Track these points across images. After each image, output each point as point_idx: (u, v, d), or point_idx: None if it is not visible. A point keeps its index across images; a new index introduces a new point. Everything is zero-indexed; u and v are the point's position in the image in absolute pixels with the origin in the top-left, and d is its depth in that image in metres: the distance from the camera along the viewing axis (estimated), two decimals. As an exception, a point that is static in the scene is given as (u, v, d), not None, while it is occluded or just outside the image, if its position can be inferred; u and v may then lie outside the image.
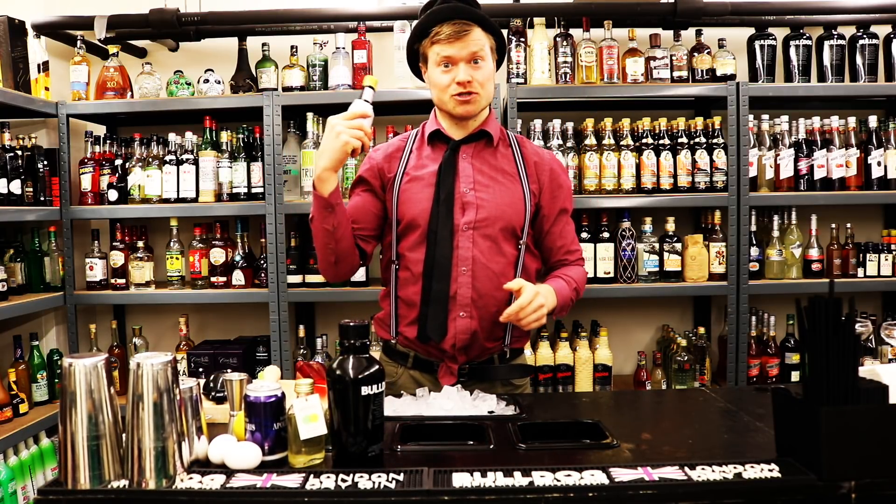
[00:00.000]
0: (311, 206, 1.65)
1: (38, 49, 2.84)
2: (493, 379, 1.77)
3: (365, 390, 1.18)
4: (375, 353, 1.42)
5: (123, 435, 1.14)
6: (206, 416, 1.28)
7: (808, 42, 2.87)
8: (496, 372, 1.77)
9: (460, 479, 1.11)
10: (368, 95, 1.61)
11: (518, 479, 1.11)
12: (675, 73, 2.81)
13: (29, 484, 2.55)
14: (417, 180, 1.73)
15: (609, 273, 2.77)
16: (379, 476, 1.13)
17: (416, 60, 1.80)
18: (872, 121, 2.85)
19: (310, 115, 2.80)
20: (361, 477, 1.13)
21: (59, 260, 2.93)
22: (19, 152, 2.70)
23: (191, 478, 1.14)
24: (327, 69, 2.87)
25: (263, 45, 2.91)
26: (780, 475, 1.11)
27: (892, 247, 2.82)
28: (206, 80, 2.90)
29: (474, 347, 1.72)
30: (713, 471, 1.13)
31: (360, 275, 2.81)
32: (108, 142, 2.99)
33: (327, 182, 1.59)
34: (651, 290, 2.76)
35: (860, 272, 2.83)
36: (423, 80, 1.83)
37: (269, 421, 1.19)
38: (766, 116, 2.84)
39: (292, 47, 2.87)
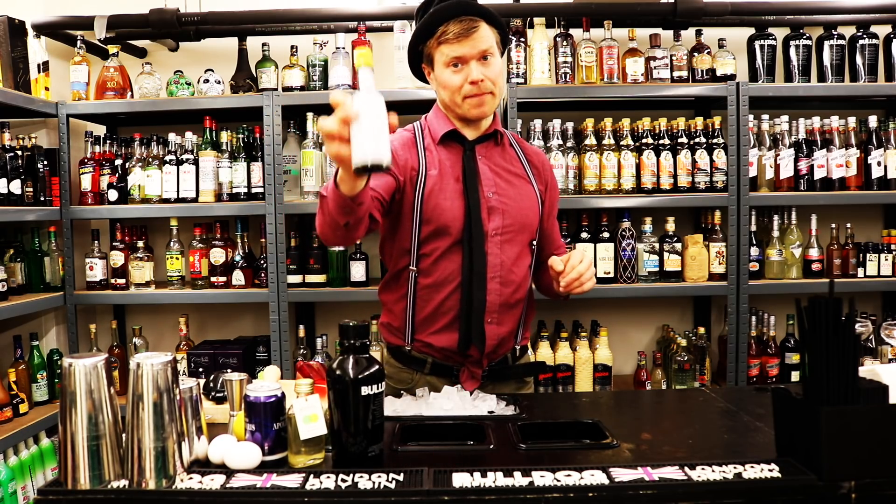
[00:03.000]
0: (328, 186, 1.42)
1: (38, 49, 2.84)
2: (510, 378, 1.78)
3: (365, 390, 1.18)
4: (375, 353, 1.42)
5: (123, 435, 1.14)
6: (206, 416, 1.28)
7: (808, 42, 2.87)
8: (513, 371, 1.78)
9: (460, 479, 1.11)
10: (366, 79, 1.22)
11: (518, 479, 1.11)
12: (675, 73, 2.81)
13: (29, 484, 2.55)
14: (440, 183, 1.66)
15: (609, 273, 2.77)
16: (379, 476, 1.13)
17: (418, 61, 1.73)
18: (872, 121, 2.85)
19: (310, 115, 2.80)
20: (361, 477, 1.13)
21: (59, 260, 2.93)
22: (19, 152, 2.70)
23: (191, 478, 1.14)
24: (327, 69, 2.87)
25: (263, 45, 2.91)
26: (780, 475, 1.11)
27: (892, 247, 2.82)
28: (206, 80, 2.90)
29: (498, 351, 1.73)
30: (713, 471, 1.12)
31: (360, 275, 2.81)
32: (108, 142, 2.99)
33: (346, 183, 1.34)
34: (651, 290, 2.76)
35: (860, 272, 2.83)
36: (424, 82, 1.76)
37: (269, 421, 1.19)
38: (766, 116, 2.84)
39: (292, 47, 2.87)
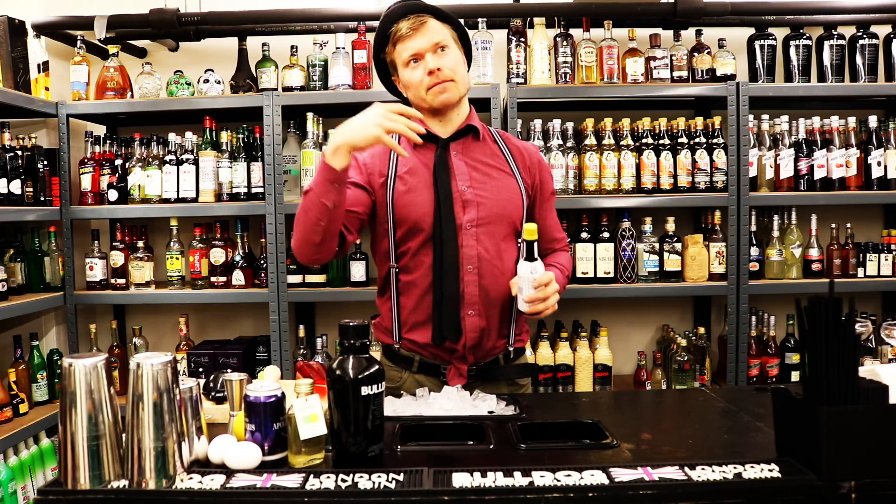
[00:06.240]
0: (314, 176, 1.55)
1: (38, 49, 2.83)
2: (500, 379, 1.78)
3: (365, 390, 1.18)
4: (375, 353, 1.42)
5: (123, 435, 1.14)
6: (206, 416, 1.28)
7: (808, 42, 2.87)
8: (503, 372, 1.78)
9: (460, 479, 1.11)
10: None
11: (518, 479, 1.11)
12: (675, 73, 2.81)
13: (29, 484, 2.55)
14: (412, 183, 1.71)
15: (609, 273, 2.77)
16: (379, 476, 1.13)
17: (387, 75, 1.80)
18: (872, 121, 2.85)
19: (310, 115, 2.80)
20: (361, 477, 1.13)
21: (59, 260, 2.92)
22: (19, 152, 2.70)
23: (191, 478, 1.14)
24: (327, 69, 2.87)
25: (263, 45, 2.91)
26: (780, 475, 1.11)
27: (892, 247, 2.82)
28: (206, 80, 2.90)
29: (483, 346, 1.72)
30: (713, 471, 1.13)
31: (360, 275, 2.81)
32: (108, 142, 2.99)
33: (341, 157, 1.49)
34: (651, 290, 2.76)
35: (860, 272, 2.83)
36: (396, 95, 1.82)
37: (269, 421, 1.19)
38: (766, 116, 2.84)
39: (292, 47, 2.87)
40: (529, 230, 1.54)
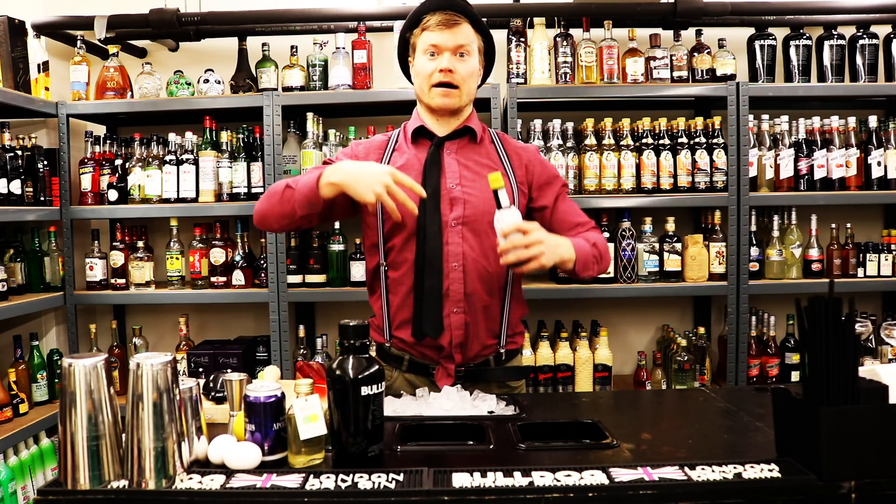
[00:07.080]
0: (300, 181, 1.62)
1: (38, 49, 2.84)
2: (490, 381, 1.77)
3: (365, 390, 1.18)
4: (373, 353, 1.42)
5: (123, 435, 1.14)
6: (206, 416, 1.28)
7: (808, 42, 2.87)
8: (492, 374, 1.77)
9: (460, 479, 1.11)
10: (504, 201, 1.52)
11: (518, 479, 1.11)
12: (675, 73, 2.81)
13: (29, 484, 2.55)
14: None
15: (609, 273, 2.77)
16: (379, 476, 1.13)
17: (406, 53, 1.82)
18: (872, 121, 2.85)
19: (310, 115, 2.80)
20: (361, 477, 1.13)
21: (59, 260, 2.92)
22: (19, 152, 2.70)
23: (190, 478, 1.14)
24: (327, 69, 2.87)
25: (263, 45, 2.91)
26: (780, 475, 1.11)
27: (892, 247, 2.82)
28: (206, 80, 2.90)
29: (470, 345, 1.72)
30: (713, 471, 1.13)
31: (360, 275, 2.81)
32: (108, 142, 2.99)
33: (331, 189, 1.58)
34: (651, 290, 2.76)
35: (860, 272, 2.82)
36: (408, 77, 1.84)
37: (269, 421, 1.19)
38: (766, 116, 2.84)
39: (292, 47, 2.87)
40: (493, 177, 1.52)
